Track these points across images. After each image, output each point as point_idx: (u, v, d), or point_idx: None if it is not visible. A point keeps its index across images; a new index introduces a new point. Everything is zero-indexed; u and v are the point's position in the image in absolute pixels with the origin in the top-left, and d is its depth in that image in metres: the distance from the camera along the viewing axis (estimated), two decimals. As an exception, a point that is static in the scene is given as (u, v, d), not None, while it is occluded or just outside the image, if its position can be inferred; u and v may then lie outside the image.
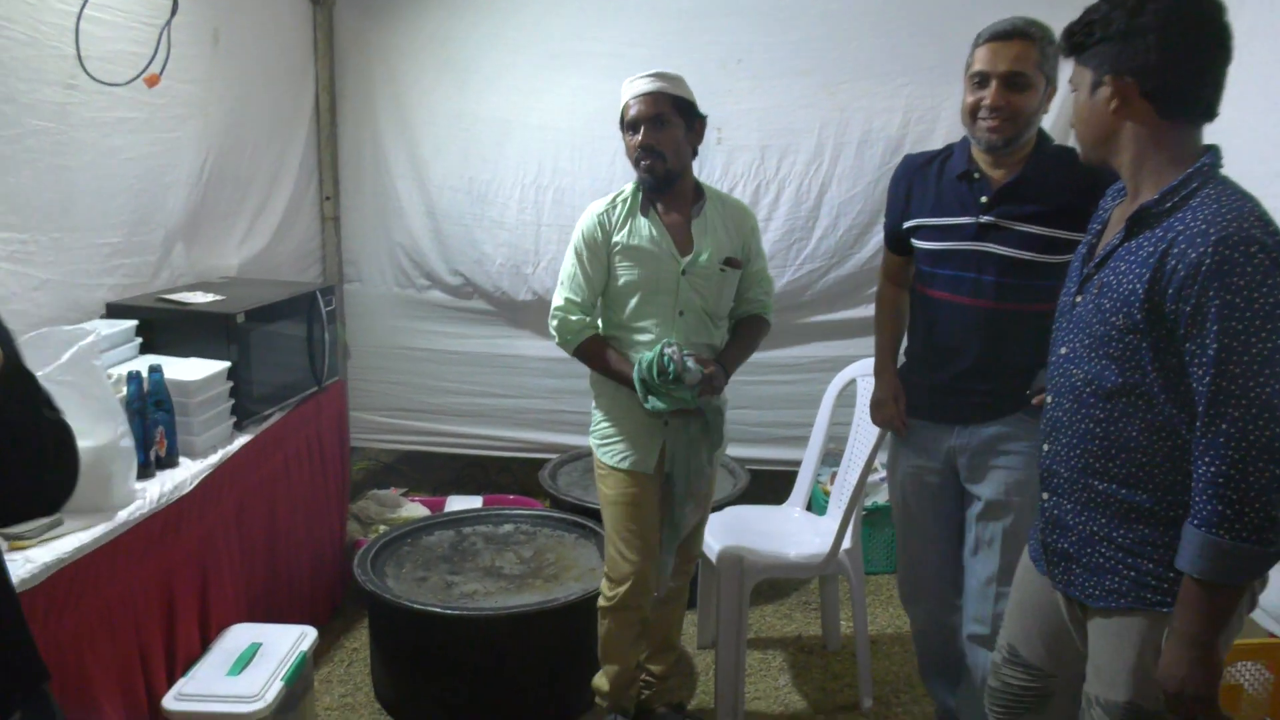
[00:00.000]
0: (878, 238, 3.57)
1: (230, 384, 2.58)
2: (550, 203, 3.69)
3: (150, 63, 2.63)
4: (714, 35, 3.55)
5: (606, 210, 2.38)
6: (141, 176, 2.83)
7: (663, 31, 3.55)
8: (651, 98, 2.27)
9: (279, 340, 2.84)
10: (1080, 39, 1.46)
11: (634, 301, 2.32)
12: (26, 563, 1.83)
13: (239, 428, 2.64)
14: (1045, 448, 1.61)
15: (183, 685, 2.20)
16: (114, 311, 2.64)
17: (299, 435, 2.94)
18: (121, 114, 2.68)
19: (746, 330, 2.45)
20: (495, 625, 2.48)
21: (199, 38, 3.01)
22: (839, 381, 2.88)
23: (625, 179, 3.60)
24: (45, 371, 1.95)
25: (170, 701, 2.16)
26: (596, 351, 2.35)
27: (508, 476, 4.26)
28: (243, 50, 3.26)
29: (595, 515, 3.07)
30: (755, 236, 2.45)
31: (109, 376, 2.30)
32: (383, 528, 3.30)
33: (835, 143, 3.56)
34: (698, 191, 2.40)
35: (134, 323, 2.57)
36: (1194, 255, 1.32)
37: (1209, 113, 1.44)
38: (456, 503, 3.45)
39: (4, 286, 2.38)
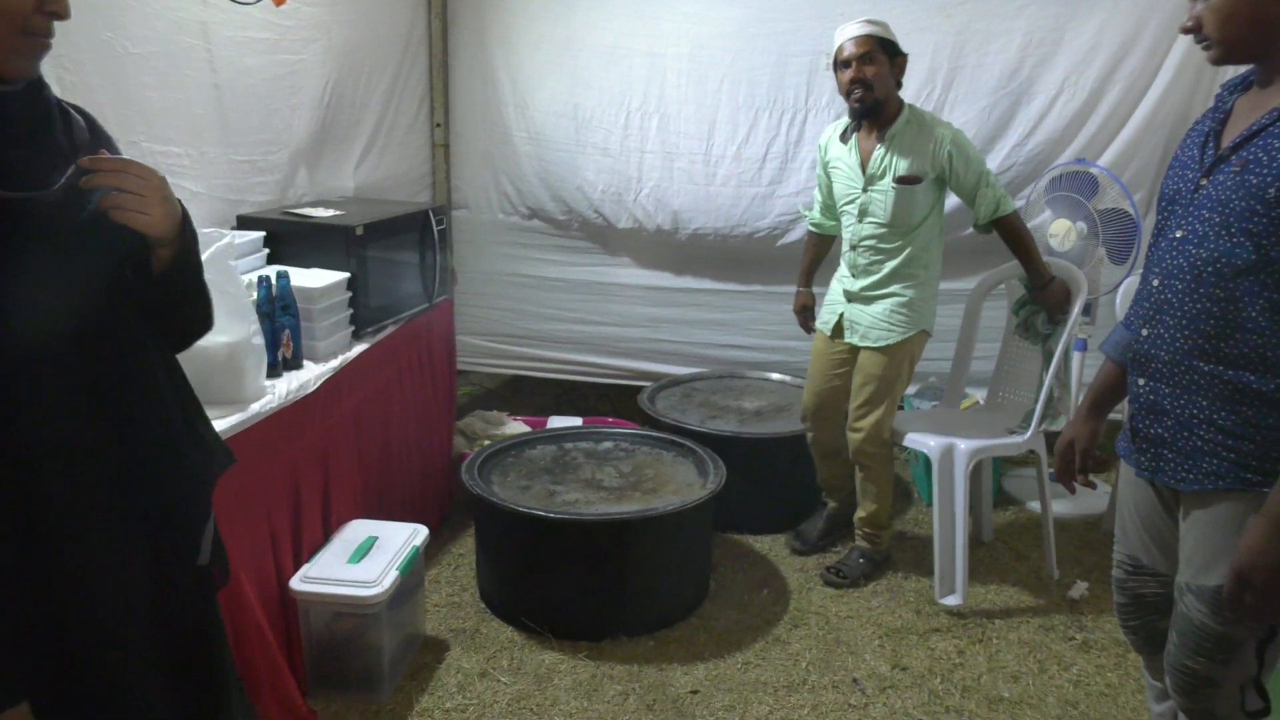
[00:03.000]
0: (991, 166, 3.48)
1: (349, 294, 2.70)
2: (655, 129, 3.70)
3: (278, -18, 2.73)
4: (825, -43, 3.47)
5: (829, 135, 3.04)
6: (273, 96, 2.96)
7: (773, -46, 3.50)
8: (862, 39, 2.76)
9: (394, 256, 2.95)
10: None
11: (838, 206, 3.00)
12: (171, 443, 1.98)
13: (356, 336, 2.77)
14: (1145, 332, 1.58)
15: (308, 569, 2.36)
16: (244, 224, 2.78)
17: (411, 348, 3.06)
18: (255, 34, 2.81)
19: (1006, 235, 2.86)
20: (595, 530, 2.57)
21: (319, -38, 3.11)
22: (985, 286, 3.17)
23: (730, 105, 3.62)
24: (187, 269, 2.08)
25: (297, 583, 2.31)
26: (807, 242, 3.26)
27: (606, 404, 4.34)
28: (362, -25, 3.35)
29: (692, 436, 3.15)
30: (945, 151, 2.79)
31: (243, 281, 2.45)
32: (487, 443, 3.42)
33: (949, 68, 3.46)
34: (897, 117, 2.84)
35: (262, 234, 2.71)
36: None
37: None
38: (557, 423, 3.55)
39: None
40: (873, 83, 2.74)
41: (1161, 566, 1.68)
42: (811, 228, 3.21)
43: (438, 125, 3.93)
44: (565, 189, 3.86)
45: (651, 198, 3.76)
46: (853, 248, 2.96)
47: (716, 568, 3.05)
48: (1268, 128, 1.43)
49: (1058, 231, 3.19)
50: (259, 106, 2.90)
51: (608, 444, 3.16)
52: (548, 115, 3.79)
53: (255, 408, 2.21)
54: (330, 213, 2.87)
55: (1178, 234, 1.54)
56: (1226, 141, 1.50)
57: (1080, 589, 2.92)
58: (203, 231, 2.24)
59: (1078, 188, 3.18)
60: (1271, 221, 1.40)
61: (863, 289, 2.92)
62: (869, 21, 2.78)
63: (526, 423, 3.68)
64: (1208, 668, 1.55)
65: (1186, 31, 1.51)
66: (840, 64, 2.81)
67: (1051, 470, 2.28)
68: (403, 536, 2.54)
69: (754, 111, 3.61)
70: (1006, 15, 3.38)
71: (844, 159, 2.93)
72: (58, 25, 1.15)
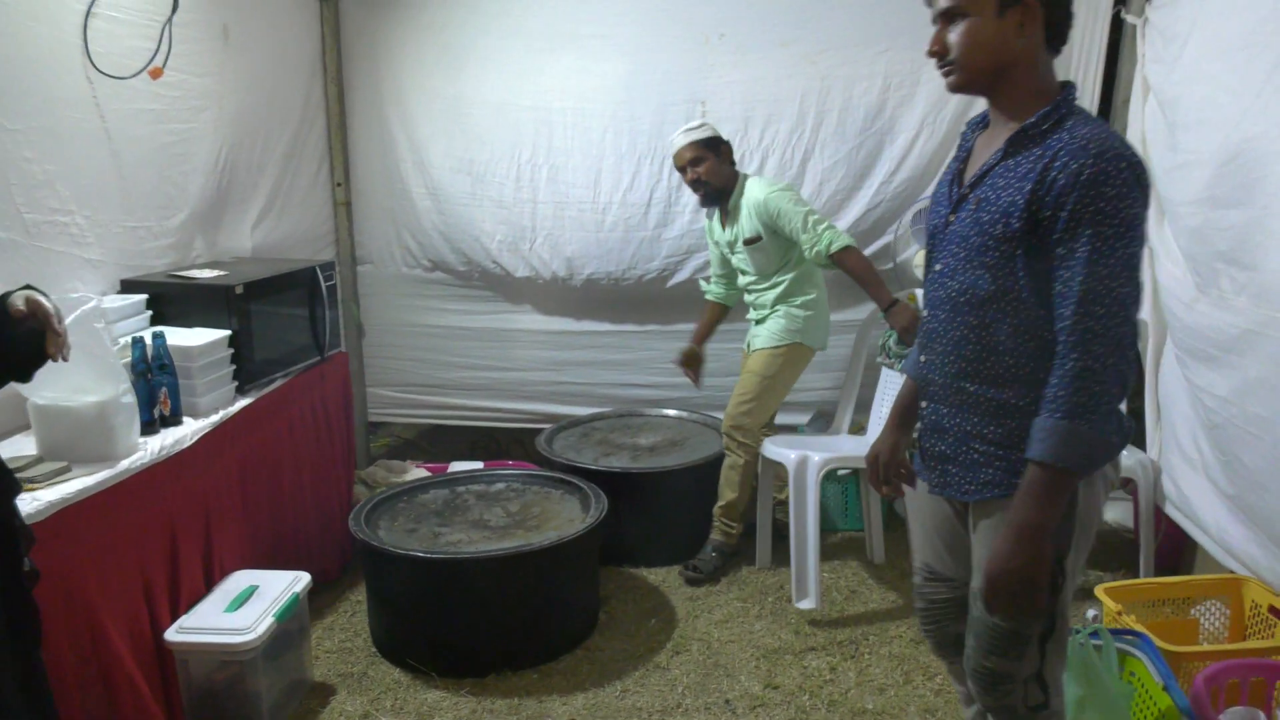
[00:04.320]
0: (860, 203, 3.68)
1: (231, 350, 2.79)
2: (545, 180, 3.85)
3: (154, 57, 2.85)
4: (696, 11, 3.67)
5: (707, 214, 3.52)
6: (166, 163, 3.08)
7: (647, 10, 3.68)
8: (686, 148, 3.23)
9: (280, 312, 3.05)
10: None
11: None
12: (34, 501, 2.05)
13: (242, 391, 2.86)
14: (923, 358, 1.72)
15: (185, 620, 2.42)
16: (127, 287, 2.87)
17: (302, 401, 3.15)
18: (142, 105, 2.93)
19: (842, 268, 3.11)
20: (472, 568, 2.66)
21: (210, 34, 3.24)
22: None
23: (614, 154, 3.79)
24: (50, 333, 2.17)
25: (172, 633, 2.37)
26: (706, 306, 3.63)
27: (520, 448, 4.44)
28: (253, 44, 3.49)
29: (584, 474, 3.25)
30: (759, 213, 3.20)
31: (118, 343, 2.54)
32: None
33: (817, 111, 3.65)
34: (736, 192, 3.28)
35: (144, 296, 2.80)
36: (1075, 166, 1.44)
37: (1060, 47, 1.58)
38: (459, 467, 3.63)
39: (58, 265, 2.65)
40: (706, 179, 3.23)
41: (953, 573, 1.80)
42: (708, 297, 3.62)
43: (338, 184, 4.06)
44: (464, 241, 3.99)
45: (545, 246, 3.90)
46: (745, 290, 3.46)
47: (608, 600, 3.14)
48: (994, 167, 1.57)
49: (920, 262, 3.36)
50: (151, 174, 3.01)
51: (500, 485, 3.25)
52: (444, 171, 3.93)
53: (125, 464, 2.29)
54: (215, 273, 2.97)
55: (937, 267, 1.68)
56: (967, 179, 1.64)
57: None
58: (69, 296, 2.36)
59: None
60: (1002, 255, 1.54)
61: (757, 316, 3.42)
62: (688, 130, 3.25)
63: (428, 469, 3.76)
64: (1003, 665, 1.65)
65: (931, 55, 1.62)
66: (678, 169, 3.32)
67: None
68: (284, 583, 2.61)
69: (636, 159, 3.77)
70: (867, 60, 3.58)
71: (718, 232, 3.43)
72: None
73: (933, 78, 3.51)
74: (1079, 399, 1.43)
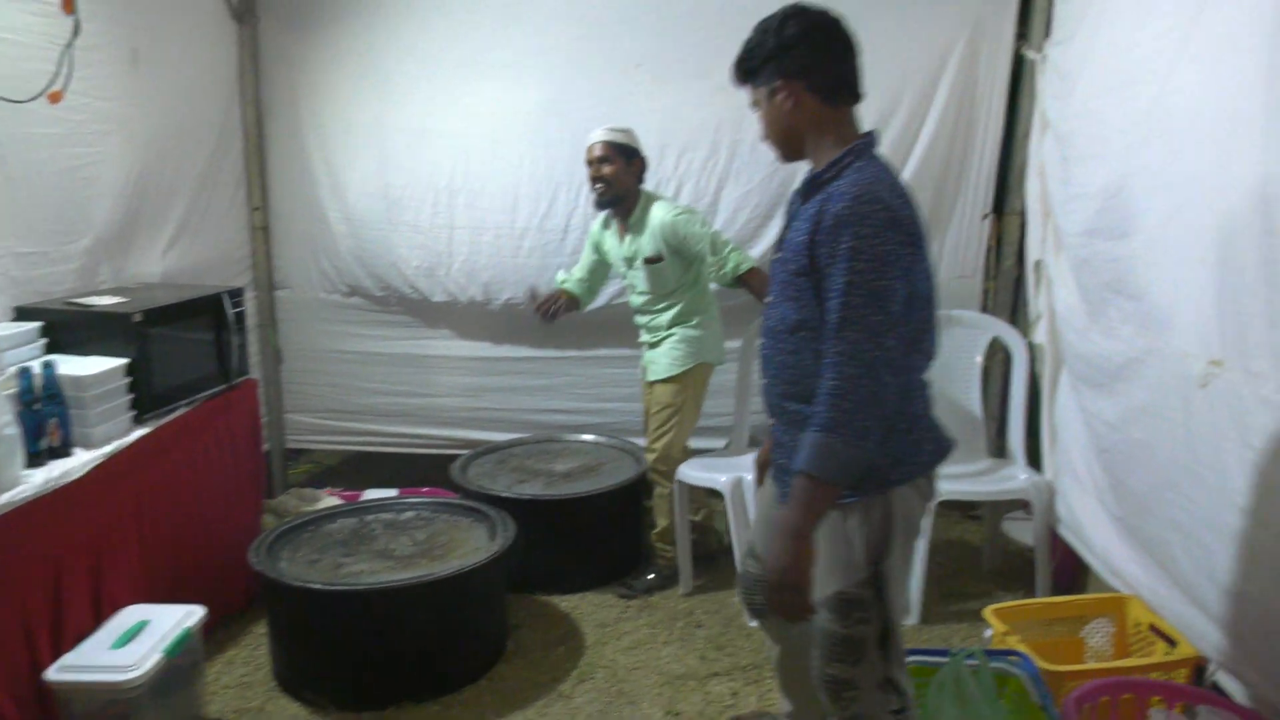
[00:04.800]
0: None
1: (128, 379, 2.75)
2: (462, 206, 3.86)
3: (53, 81, 2.81)
4: (615, 42, 3.71)
5: (598, 222, 3.50)
6: (64, 188, 3.02)
7: (566, 39, 3.72)
8: (600, 145, 3.25)
9: (184, 339, 3.01)
10: (747, 67, 1.81)
11: (623, 278, 3.49)
12: (-100, 539, 2.00)
13: (140, 421, 2.81)
14: (763, 382, 1.90)
15: (67, 658, 2.36)
16: (22, 315, 2.81)
17: (207, 429, 3.10)
18: (41, 129, 2.87)
19: (747, 288, 3.19)
20: (371, 599, 2.63)
21: (117, 57, 3.20)
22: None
23: (532, 180, 3.81)
24: (-76, 365, 2.12)
25: (52, 673, 2.31)
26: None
27: (441, 475, 4.40)
28: (166, 68, 3.45)
29: (497, 502, 3.25)
30: (663, 235, 3.22)
31: (4, 373, 2.49)
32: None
33: (731, 140, 3.70)
34: (635, 208, 3.29)
35: (37, 324, 2.74)
36: (836, 208, 1.62)
37: (857, 96, 1.81)
38: (373, 495, 3.60)
39: None
40: (609, 180, 3.24)
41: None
42: (559, 284, 3.59)
43: (256, 208, 4.02)
44: (380, 266, 3.98)
45: (463, 271, 3.90)
46: (636, 310, 3.40)
47: (517, 628, 3.13)
48: (797, 212, 1.79)
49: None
50: (52, 199, 2.95)
51: (409, 514, 3.23)
52: (360, 195, 3.92)
53: (4, 499, 2.24)
54: (115, 300, 2.93)
55: (768, 300, 1.88)
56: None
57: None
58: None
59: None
60: (799, 289, 1.71)
61: (651, 339, 3.42)
62: (610, 129, 3.26)
63: (342, 497, 3.72)
64: (843, 671, 1.78)
65: (764, 140, 1.88)
66: (587, 163, 3.30)
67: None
68: (175, 618, 2.56)
69: (554, 186, 3.79)
70: (779, 92, 3.64)
71: (610, 243, 3.43)
72: None
73: (843, 109, 3.63)
74: (832, 415, 1.59)
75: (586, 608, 3.30)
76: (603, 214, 3.44)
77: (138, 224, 3.40)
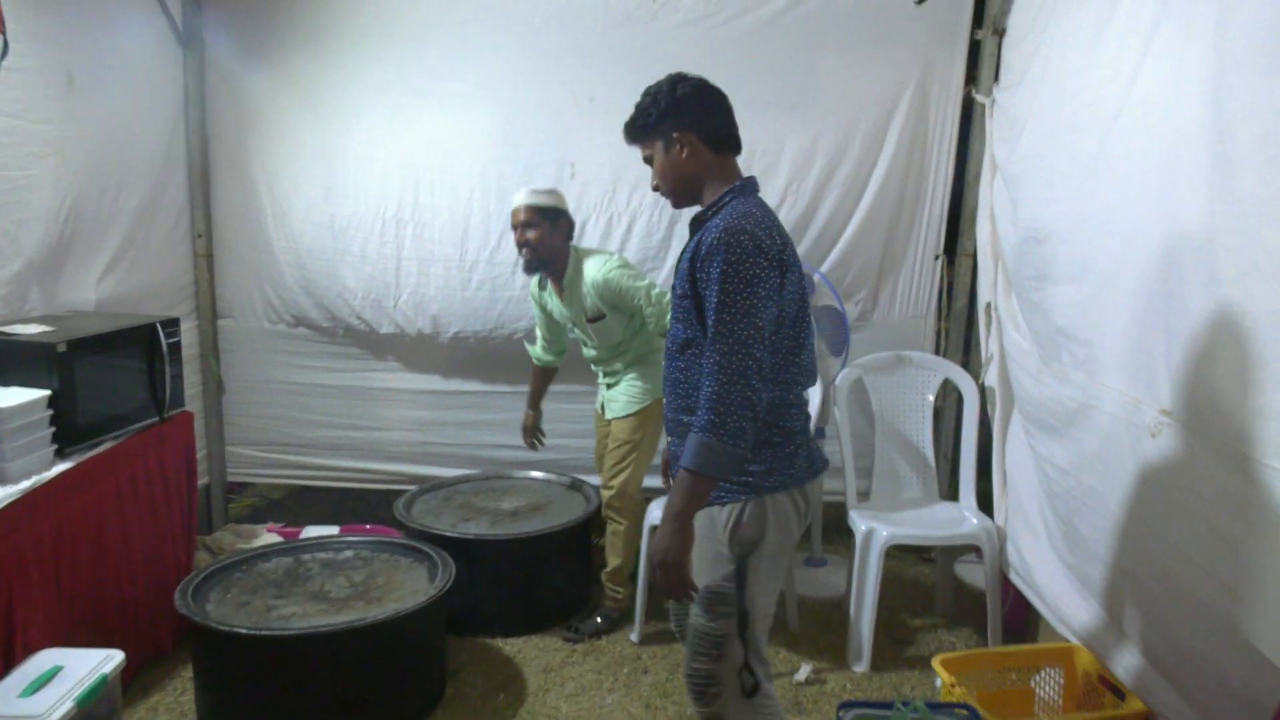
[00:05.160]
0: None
1: (50, 412, 2.64)
2: (410, 237, 3.79)
3: (-26, 103, 2.72)
4: (567, 74, 3.68)
5: (534, 281, 3.43)
6: (-10, 213, 2.91)
7: (517, 71, 3.68)
8: (523, 209, 3.18)
9: (112, 370, 2.90)
10: (642, 124, 2.08)
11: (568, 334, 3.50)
12: None
13: (63, 455, 2.69)
14: (665, 400, 2.08)
15: (-30, 707, 2.23)
16: (-59, 344, 2.69)
17: (135, 464, 2.97)
18: (-38, 152, 2.77)
19: None
20: (297, 645, 2.53)
21: (52, 79, 3.10)
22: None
23: (482, 212, 3.76)
24: None
25: (-47, 724, 2.18)
26: (534, 371, 3.62)
27: (388, 510, 4.28)
28: (105, 91, 3.36)
29: (440, 541, 3.15)
30: (610, 289, 3.17)
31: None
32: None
33: (685, 176, 3.67)
34: (566, 268, 3.26)
35: (-45, 353, 2.63)
36: (710, 238, 1.84)
37: (739, 146, 2.09)
38: (313, 532, 3.49)
39: None
40: (534, 245, 3.18)
41: None
42: (536, 363, 3.58)
43: (199, 235, 3.92)
44: (326, 296, 3.89)
45: (410, 303, 3.82)
46: (590, 361, 3.46)
47: (458, 673, 3.03)
48: (687, 245, 1.97)
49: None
50: (-29, 223, 2.85)
51: (348, 553, 3.12)
52: (305, 224, 3.84)
53: (-94, 537, 2.12)
54: (40, 329, 2.81)
55: (669, 324, 2.06)
56: None
57: (805, 672, 3.01)
58: None
59: (798, 286, 3.40)
60: (685, 311, 1.93)
61: (608, 381, 3.41)
62: (533, 192, 3.21)
63: (281, 534, 3.60)
64: (707, 665, 1.96)
65: (655, 190, 2.13)
66: (512, 226, 3.26)
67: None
68: (91, 663, 2.42)
69: (504, 218, 3.72)
70: (734, 128, 3.63)
71: (552, 302, 3.38)
72: None
73: (796, 146, 3.63)
74: (710, 418, 1.78)
75: (531, 651, 3.20)
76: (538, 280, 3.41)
77: (71, 250, 3.28)
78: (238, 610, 2.72)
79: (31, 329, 2.82)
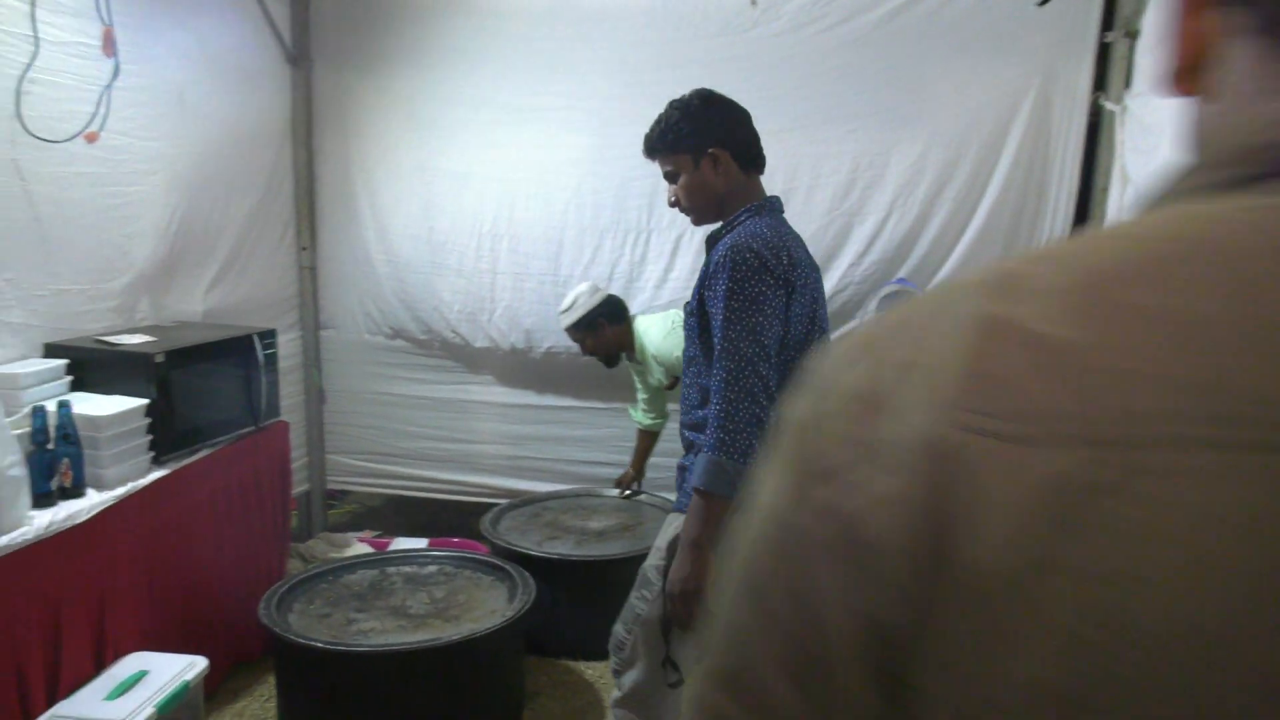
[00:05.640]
0: (827, 285, 3.52)
1: (147, 420, 2.71)
2: (505, 251, 3.78)
3: (90, 122, 2.83)
4: (662, 88, 3.51)
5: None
6: (104, 227, 3.02)
7: (611, 85, 3.63)
8: (568, 334, 3.36)
9: (209, 380, 2.97)
10: (671, 138, 2.03)
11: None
12: (-112, 580, 1.95)
13: (159, 462, 2.76)
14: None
15: (59, 707, 2.29)
16: (51, 352, 2.81)
17: (230, 472, 3.04)
18: (79, 168, 2.88)
19: None
20: (368, 662, 2.51)
21: (163, 98, 3.22)
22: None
23: (576, 228, 3.71)
24: (-70, 403, 2.10)
25: (42, 722, 2.24)
26: (638, 434, 3.67)
27: (478, 523, 4.29)
28: (215, 109, 3.47)
29: (524, 559, 3.11)
30: (668, 358, 3.23)
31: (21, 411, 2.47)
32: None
33: (783, 190, 3.44)
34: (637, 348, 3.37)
35: (64, 362, 2.73)
36: (718, 256, 1.86)
37: (763, 163, 2.07)
38: (403, 544, 3.50)
39: None
40: (594, 352, 3.38)
41: None
42: (637, 425, 3.61)
43: (304, 249, 4.02)
44: (423, 309, 3.92)
45: (504, 318, 3.81)
46: None
47: (537, 695, 2.97)
48: (705, 265, 1.95)
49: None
50: (88, 237, 2.95)
51: (432, 568, 3.11)
52: (404, 238, 3.88)
53: (3, 541, 2.19)
54: (142, 339, 2.90)
55: None
56: None
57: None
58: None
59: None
60: (690, 328, 1.98)
61: None
62: (561, 315, 3.38)
63: (371, 544, 3.63)
64: (623, 631, 2.12)
65: (671, 205, 2.10)
66: None
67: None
68: (175, 669, 2.47)
69: (599, 233, 3.69)
70: (835, 140, 3.49)
71: (639, 372, 3.49)
72: None
73: (903, 159, 3.45)
74: (719, 436, 1.80)
75: (612, 677, 3.11)
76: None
77: (181, 262, 3.40)
78: (318, 622, 2.73)
79: (135, 339, 2.91)
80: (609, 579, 3.21)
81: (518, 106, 3.71)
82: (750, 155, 2.03)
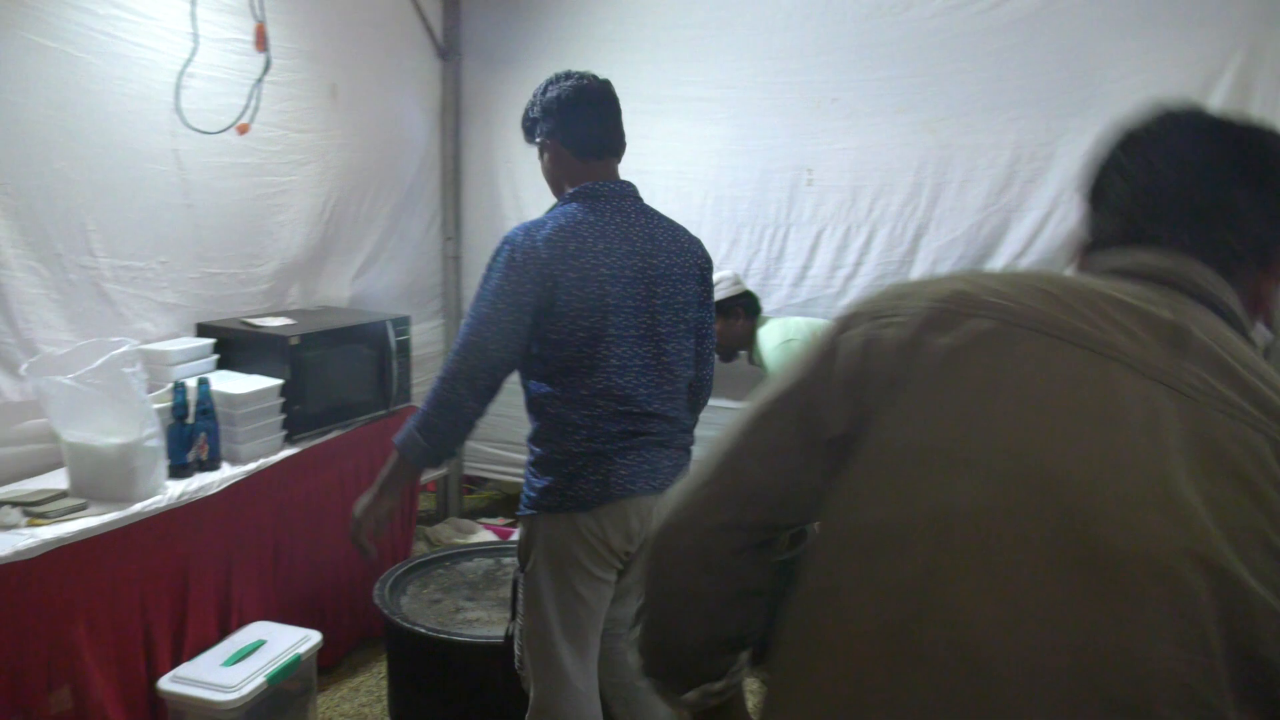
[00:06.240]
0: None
1: (281, 400, 2.82)
2: (642, 244, 3.71)
3: (241, 114, 2.97)
4: (808, 75, 3.44)
5: None
6: (258, 214, 3.19)
7: (755, 73, 3.49)
8: None
9: (343, 363, 3.06)
10: (525, 126, 2.13)
11: None
12: (30, 538, 2.10)
13: (291, 441, 2.87)
14: None
15: (181, 669, 2.41)
16: (202, 331, 2.98)
17: (359, 454, 3.13)
18: (234, 159, 3.05)
19: None
20: (464, 652, 2.50)
21: (316, 92, 3.36)
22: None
23: (713, 221, 3.61)
24: (77, 375, 2.25)
25: (164, 682, 2.36)
26: None
27: (613, 516, 4.27)
28: (366, 102, 3.60)
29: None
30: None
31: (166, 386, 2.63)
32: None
33: (934, 183, 3.31)
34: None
35: (210, 341, 2.89)
36: None
37: (614, 149, 2.12)
38: (525, 534, 3.51)
39: (128, 307, 2.79)
40: (722, 335, 3.02)
41: None
42: None
43: (449, 239, 4.10)
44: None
45: (638, 311, 3.75)
46: None
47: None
48: None
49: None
50: (239, 224, 3.12)
51: (546, 560, 3.09)
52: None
53: (137, 507, 2.32)
54: (283, 322, 3.03)
55: None
56: None
57: None
58: (110, 339, 2.45)
59: (1059, 311, 2.93)
60: None
61: None
62: None
63: (495, 532, 3.66)
64: (517, 651, 2.10)
65: None
66: None
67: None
68: (290, 641, 2.56)
69: (736, 227, 3.57)
70: (995, 129, 3.21)
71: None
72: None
73: (1070, 150, 3.14)
74: (424, 413, 1.90)
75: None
76: None
77: (331, 250, 3.54)
78: (428, 607, 2.76)
79: (276, 321, 3.04)
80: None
81: (657, 96, 3.63)
82: (587, 142, 2.02)
